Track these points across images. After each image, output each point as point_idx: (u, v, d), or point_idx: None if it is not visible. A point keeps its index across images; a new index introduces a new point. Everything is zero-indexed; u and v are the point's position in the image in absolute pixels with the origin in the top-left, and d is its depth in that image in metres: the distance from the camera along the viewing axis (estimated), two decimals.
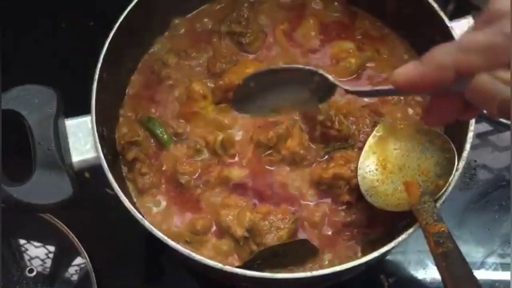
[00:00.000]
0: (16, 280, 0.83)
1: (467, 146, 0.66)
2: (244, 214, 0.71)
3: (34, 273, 0.84)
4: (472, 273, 0.56)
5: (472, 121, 0.67)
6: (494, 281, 0.85)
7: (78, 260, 0.85)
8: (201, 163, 0.76)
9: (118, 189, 0.66)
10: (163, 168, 0.76)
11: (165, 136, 0.77)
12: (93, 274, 0.83)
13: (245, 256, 0.70)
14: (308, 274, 0.61)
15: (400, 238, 0.62)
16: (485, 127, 0.96)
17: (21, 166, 0.66)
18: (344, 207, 0.73)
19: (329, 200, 0.74)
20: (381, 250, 0.62)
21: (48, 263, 0.85)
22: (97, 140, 0.68)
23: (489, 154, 0.94)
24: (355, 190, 0.71)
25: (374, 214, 0.71)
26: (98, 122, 0.69)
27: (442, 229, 0.59)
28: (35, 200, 0.65)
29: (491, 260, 0.87)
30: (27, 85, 0.69)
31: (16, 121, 0.68)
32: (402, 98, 0.79)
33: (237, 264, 0.70)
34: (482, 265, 0.86)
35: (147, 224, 0.65)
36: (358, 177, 0.71)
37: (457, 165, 0.65)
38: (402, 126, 0.73)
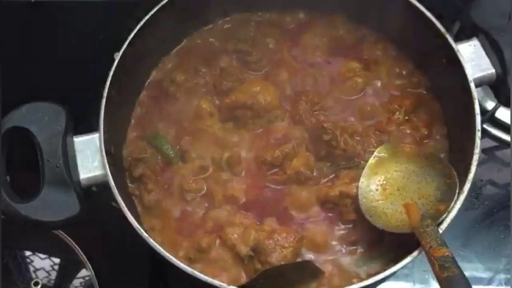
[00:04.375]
0: None
1: (473, 169, 0.66)
2: (249, 232, 0.71)
3: (39, 286, 0.84)
4: None
5: (478, 143, 0.67)
6: None
7: (83, 273, 0.85)
8: (206, 180, 0.77)
9: (124, 206, 0.67)
10: (169, 185, 0.77)
11: (172, 153, 0.78)
12: (98, 287, 0.83)
13: (250, 275, 0.70)
14: None
15: (404, 261, 0.62)
16: (491, 143, 0.95)
17: (29, 182, 0.67)
18: (349, 225, 0.73)
19: (334, 219, 0.74)
20: (386, 273, 0.62)
21: (53, 275, 0.85)
22: (105, 158, 0.68)
23: (495, 170, 0.94)
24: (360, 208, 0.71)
25: (378, 234, 0.71)
26: (106, 140, 0.70)
27: (447, 253, 0.59)
28: (43, 217, 0.65)
29: (496, 281, 0.86)
30: (36, 102, 0.70)
31: (25, 138, 0.68)
32: (407, 117, 0.79)
33: (241, 282, 0.69)
34: (487, 286, 0.86)
35: (151, 241, 0.65)
36: (359, 197, 0.71)
37: (462, 189, 0.65)
38: (403, 149, 0.74)
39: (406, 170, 0.72)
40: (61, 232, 0.85)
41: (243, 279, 0.70)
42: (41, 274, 0.85)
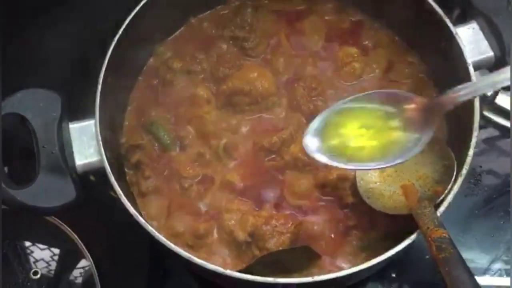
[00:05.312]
0: (21, 282, 0.83)
1: (470, 152, 0.66)
2: (247, 218, 0.71)
3: (39, 275, 0.84)
4: (474, 278, 0.56)
5: (476, 127, 0.67)
6: (498, 287, 0.85)
7: (83, 263, 0.84)
8: (203, 167, 0.76)
9: (121, 193, 0.66)
10: (166, 172, 0.77)
11: (168, 140, 0.77)
12: (97, 277, 0.83)
13: (248, 261, 0.70)
14: (309, 279, 0.61)
15: (403, 244, 0.62)
16: (491, 132, 0.95)
17: (25, 169, 0.67)
18: (347, 210, 0.73)
19: (332, 203, 0.74)
20: (383, 256, 0.62)
21: (53, 265, 0.85)
22: (101, 144, 0.68)
23: (495, 159, 0.93)
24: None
25: (376, 217, 0.71)
26: (102, 126, 0.70)
27: (444, 234, 0.59)
28: (39, 203, 0.65)
29: (496, 266, 0.86)
30: (32, 88, 0.70)
31: (21, 124, 0.68)
32: None
33: (239, 268, 0.69)
34: (486, 271, 0.85)
35: (150, 228, 0.65)
36: (357, 178, 0.71)
37: (460, 172, 0.65)
38: None
39: None
40: (61, 222, 0.85)
41: (241, 265, 0.70)
42: (40, 265, 0.85)
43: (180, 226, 0.74)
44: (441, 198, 0.64)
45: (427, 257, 0.84)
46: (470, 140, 0.66)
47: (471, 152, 0.66)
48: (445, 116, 0.78)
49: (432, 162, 0.69)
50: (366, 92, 0.68)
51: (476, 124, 0.67)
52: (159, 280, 0.87)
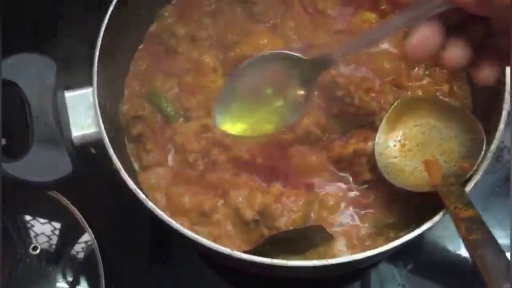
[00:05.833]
0: (20, 258, 0.83)
1: (501, 126, 0.61)
2: (255, 195, 0.68)
3: (38, 251, 0.83)
4: (509, 262, 0.52)
5: (508, 99, 0.62)
6: None
7: (84, 238, 0.84)
8: (210, 140, 0.72)
9: (121, 167, 0.63)
10: (169, 145, 0.73)
11: (172, 111, 0.74)
12: (99, 252, 0.81)
13: (256, 240, 0.66)
14: (323, 262, 0.58)
15: (426, 226, 0.58)
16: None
17: (17, 140, 0.64)
18: (363, 187, 0.70)
19: (347, 180, 0.70)
20: (404, 239, 0.58)
21: (54, 239, 0.85)
22: (99, 114, 0.65)
23: None
24: (377, 168, 0.67)
25: (393, 196, 0.67)
26: (100, 95, 0.66)
27: (474, 214, 0.55)
28: (32, 177, 0.62)
29: None
30: (24, 53, 0.66)
31: (12, 92, 0.65)
32: (427, 72, 0.73)
33: (246, 248, 0.66)
34: (507, 250, 0.82)
35: (150, 205, 0.62)
36: (375, 153, 0.67)
37: (489, 147, 0.61)
38: (425, 101, 0.68)
39: (427, 125, 0.67)
40: (61, 196, 0.83)
41: (249, 244, 0.67)
42: (41, 239, 0.84)
43: (183, 203, 0.70)
44: (468, 175, 0.60)
45: (441, 240, 0.82)
46: (501, 112, 0.62)
47: (502, 125, 0.61)
48: (469, 83, 0.73)
49: (458, 135, 0.64)
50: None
51: (508, 94, 0.62)
52: (162, 257, 0.86)
